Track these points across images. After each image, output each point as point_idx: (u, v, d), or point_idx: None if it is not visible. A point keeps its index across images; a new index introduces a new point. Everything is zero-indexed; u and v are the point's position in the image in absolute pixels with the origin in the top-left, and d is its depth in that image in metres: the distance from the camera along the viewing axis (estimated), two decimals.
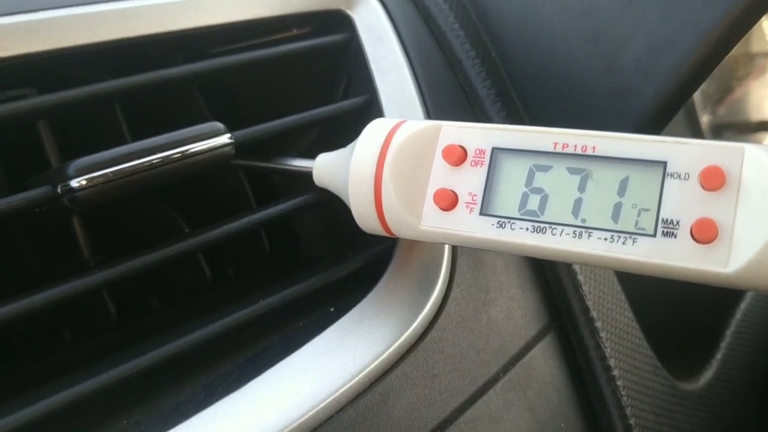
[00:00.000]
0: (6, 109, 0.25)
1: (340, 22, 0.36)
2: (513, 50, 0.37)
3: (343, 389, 0.25)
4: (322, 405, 0.25)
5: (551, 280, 0.33)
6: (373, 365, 0.26)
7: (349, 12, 0.36)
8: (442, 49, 0.37)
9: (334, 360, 0.26)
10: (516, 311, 0.32)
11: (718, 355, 0.45)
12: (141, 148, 0.26)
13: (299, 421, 0.24)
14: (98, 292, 0.29)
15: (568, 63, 0.35)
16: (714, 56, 0.32)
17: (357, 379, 0.26)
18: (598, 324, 0.34)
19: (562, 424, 0.32)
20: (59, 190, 0.24)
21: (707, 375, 0.44)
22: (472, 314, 0.30)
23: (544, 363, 0.33)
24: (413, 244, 0.31)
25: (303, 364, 0.26)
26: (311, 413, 0.24)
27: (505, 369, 0.31)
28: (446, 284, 0.30)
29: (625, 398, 0.33)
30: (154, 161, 0.26)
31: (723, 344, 0.45)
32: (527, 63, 0.36)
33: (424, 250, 0.31)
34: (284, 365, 0.26)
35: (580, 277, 0.33)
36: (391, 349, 0.27)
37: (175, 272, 0.32)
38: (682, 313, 0.45)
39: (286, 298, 0.28)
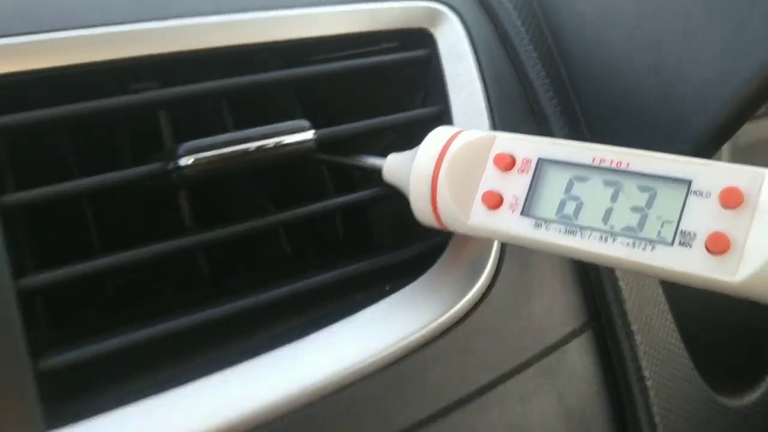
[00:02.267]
0: (135, 99, 0.31)
1: (424, 39, 0.40)
2: (582, 73, 0.40)
3: (386, 352, 0.29)
4: (369, 361, 0.29)
5: (593, 282, 0.36)
6: (416, 335, 0.30)
7: (432, 31, 0.40)
8: (515, 68, 0.40)
9: (382, 327, 0.30)
10: (556, 307, 0.35)
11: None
12: (239, 137, 0.31)
13: (349, 371, 0.29)
14: (194, 253, 0.35)
15: (630, 89, 0.38)
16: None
17: (400, 344, 0.30)
18: (635, 327, 0.36)
19: (588, 414, 0.35)
20: (170, 167, 0.30)
21: (753, 395, 0.45)
22: (513, 305, 0.34)
23: (579, 357, 0.36)
24: (465, 240, 0.34)
25: (357, 326, 0.31)
26: (359, 367, 0.29)
27: (540, 357, 0.34)
28: (491, 276, 0.34)
29: (653, 399, 0.35)
30: (249, 149, 0.31)
31: None
32: (594, 86, 0.40)
33: (475, 245, 0.34)
34: (341, 325, 0.31)
35: (621, 283, 0.36)
36: (433, 324, 0.31)
37: (260, 246, 0.37)
38: (732, 330, 0.46)
39: (348, 273, 0.32)
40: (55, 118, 0.29)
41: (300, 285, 0.31)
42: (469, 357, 0.32)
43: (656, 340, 0.38)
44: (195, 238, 0.30)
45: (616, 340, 0.36)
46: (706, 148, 0.36)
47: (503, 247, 0.35)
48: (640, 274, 0.38)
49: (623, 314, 0.36)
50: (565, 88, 0.40)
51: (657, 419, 0.35)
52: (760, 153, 0.70)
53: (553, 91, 0.39)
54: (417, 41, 0.40)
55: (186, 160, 0.29)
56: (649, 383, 0.37)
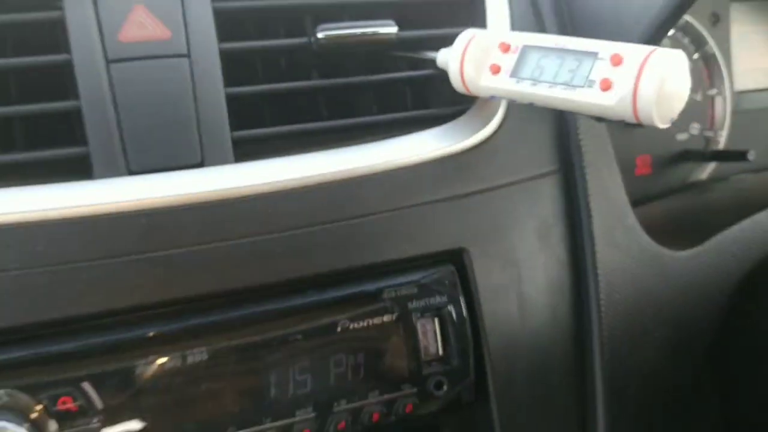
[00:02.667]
0: None
1: None
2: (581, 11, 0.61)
3: (434, 154, 0.52)
4: (423, 156, 0.52)
5: (564, 137, 0.57)
6: (454, 147, 0.53)
7: None
8: (534, 5, 0.61)
9: (433, 141, 0.53)
10: (537, 152, 0.56)
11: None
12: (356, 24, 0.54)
13: (415, 159, 0.51)
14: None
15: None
16: None
17: (443, 151, 0.52)
18: (589, 177, 0.57)
19: (550, 221, 0.55)
20: (312, 39, 0.54)
21: (698, 248, 0.63)
22: (511, 143, 0.55)
23: (550, 189, 0.57)
24: (483, 102, 0.56)
25: (415, 139, 0.53)
26: (417, 158, 0.52)
27: (526, 180, 0.55)
28: (499, 123, 0.55)
29: (597, 238, 0.55)
30: (366, 32, 0.54)
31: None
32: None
33: (489, 106, 0.56)
34: (408, 137, 0.53)
35: (583, 138, 0.57)
36: (468, 141, 0.53)
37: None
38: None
39: (408, 116, 0.55)
40: None
41: (370, 119, 0.54)
42: (485, 166, 0.54)
43: (606, 195, 0.57)
44: (317, 83, 0.54)
45: (574, 184, 0.57)
46: (653, 37, 0.55)
47: (507, 109, 0.56)
48: (597, 132, 0.58)
49: (582, 165, 0.57)
50: (563, 9, 0.60)
51: (598, 256, 0.55)
52: (761, 119, 0.86)
53: (553, 12, 0.60)
54: None
55: (321, 34, 0.53)
56: (594, 222, 0.56)
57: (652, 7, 0.55)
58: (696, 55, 0.85)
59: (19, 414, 0.41)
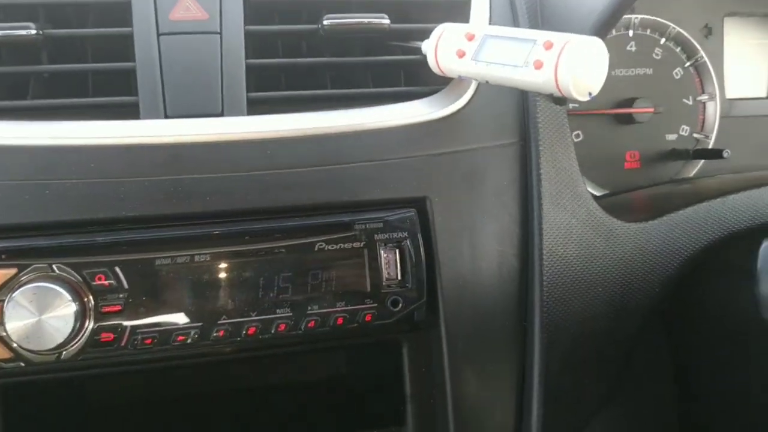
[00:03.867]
0: None
1: None
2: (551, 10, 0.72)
3: (414, 120, 0.64)
4: (408, 121, 0.64)
5: (524, 113, 0.68)
6: (434, 115, 0.65)
7: None
8: (512, 4, 0.73)
9: (415, 110, 0.65)
10: (502, 124, 0.68)
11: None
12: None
13: (398, 123, 0.64)
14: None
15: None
16: None
17: (423, 118, 0.65)
18: (542, 149, 0.68)
19: (504, 183, 0.67)
20: (318, 26, 0.67)
21: (650, 222, 0.72)
22: (480, 115, 0.67)
23: (508, 158, 0.68)
24: (457, 82, 0.69)
25: (401, 107, 0.66)
26: (401, 122, 0.64)
27: (491, 147, 0.67)
28: (469, 98, 0.67)
29: (545, 207, 0.66)
30: (373, 22, 0.67)
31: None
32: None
33: (461, 85, 0.68)
34: (387, 107, 0.66)
35: (539, 116, 0.68)
36: (444, 111, 0.65)
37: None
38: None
39: (390, 92, 0.68)
40: None
41: (362, 91, 0.67)
42: (452, 133, 0.66)
43: (557, 165, 0.68)
44: (321, 60, 0.67)
45: (530, 154, 0.68)
46: (599, 30, 0.66)
47: (476, 89, 0.68)
48: (555, 114, 0.69)
49: (536, 139, 0.68)
50: (536, 14, 0.72)
51: (544, 214, 0.66)
52: (749, 125, 0.94)
53: (528, 15, 0.72)
54: None
55: (327, 22, 0.67)
56: (543, 185, 0.67)
57: (598, 7, 0.66)
58: (687, 63, 0.94)
59: (65, 284, 0.56)
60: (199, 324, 0.59)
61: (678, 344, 0.83)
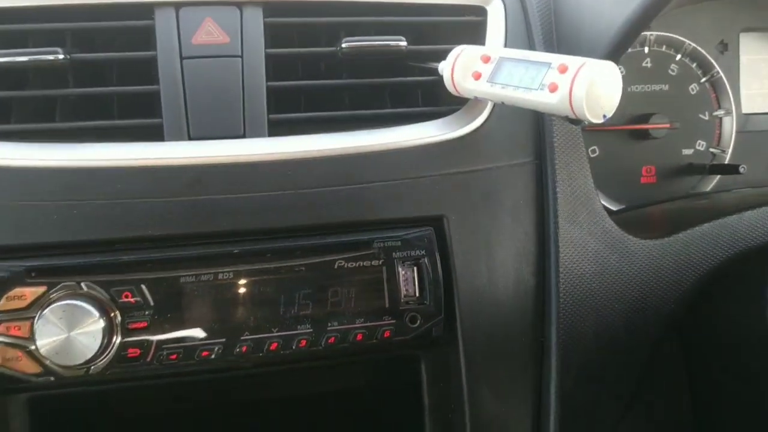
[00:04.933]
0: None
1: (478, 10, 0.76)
2: (562, 27, 0.73)
3: (435, 139, 0.66)
4: (431, 141, 0.66)
5: (540, 133, 0.70)
6: (453, 134, 0.66)
7: (486, 6, 0.75)
8: (527, 27, 0.74)
9: (432, 130, 0.67)
10: (517, 143, 0.69)
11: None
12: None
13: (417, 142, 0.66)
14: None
15: (577, 27, 0.71)
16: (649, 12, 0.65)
17: (442, 137, 0.66)
18: (558, 167, 0.69)
19: (521, 202, 0.68)
20: (337, 48, 0.69)
21: (665, 239, 0.73)
22: (496, 134, 0.68)
23: (523, 177, 0.69)
24: (474, 103, 0.70)
25: (417, 128, 0.67)
26: (420, 142, 0.66)
27: (506, 166, 0.68)
28: (485, 119, 0.68)
29: (561, 222, 0.67)
30: (389, 45, 0.69)
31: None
32: (565, 29, 0.73)
33: (479, 105, 0.70)
34: (404, 128, 0.68)
35: (556, 138, 0.69)
36: (460, 132, 0.67)
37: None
38: None
39: (412, 112, 0.69)
40: None
41: (380, 112, 0.69)
42: (468, 153, 0.67)
43: (573, 183, 0.69)
44: (340, 81, 0.69)
45: (545, 173, 0.69)
46: (612, 53, 0.67)
47: (492, 110, 0.70)
48: (570, 133, 0.70)
49: (552, 158, 0.69)
50: (552, 35, 0.73)
51: (560, 231, 0.67)
52: (766, 139, 0.95)
53: (543, 38, 0.73)
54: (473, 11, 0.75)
55: (345, 44, 0.69)
56: (559, 203, 0.68)
57: (611, 31, 0.67)
58: (703, 79, 0.95)
59: (93, 301, 0.58)
60: (223, 340, 0.60)
61: (693, 357, 0.84)
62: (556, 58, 0.60)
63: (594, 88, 0.57)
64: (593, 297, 0.70)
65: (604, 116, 0.59)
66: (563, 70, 0.59)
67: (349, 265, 0.63)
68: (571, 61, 0.59)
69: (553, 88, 0.59)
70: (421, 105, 0.73)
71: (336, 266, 0.63)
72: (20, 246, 0.60)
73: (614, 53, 0.67)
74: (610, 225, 0.71)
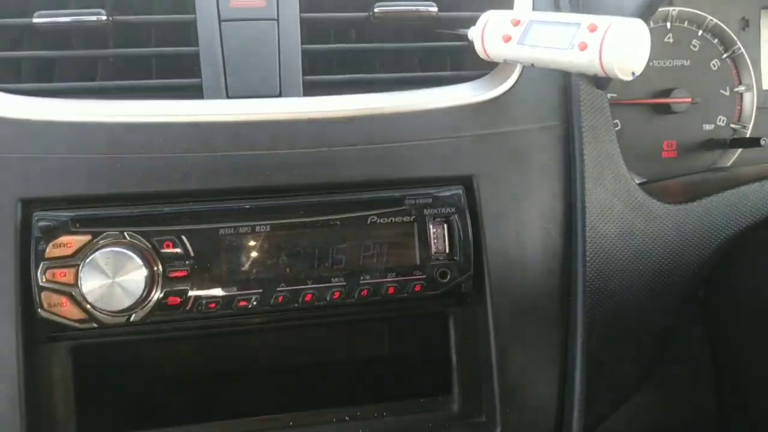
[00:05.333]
0: None
1: None
2: None
3: (466, 101, 0.68)
4: (462, 103, 0.68)
5: (567, 95, 0.71)
6: (486, 95, 0.68)
7: None
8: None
9: (456, 93, 0.69)
10: (545, 106, 0.71)
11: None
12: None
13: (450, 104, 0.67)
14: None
15: None
16: None
17: (475, 99, 0.68)
18: (584, 129, 0.70)
19: (546, 160, 0.69)
20: (369, 13, 0.71)
21: (689, 204, 0.74)
22: (525, 96, 0.70)
23: (551, 139, 0.71)
24: (504, 66, 0.72)
25: (453, 89, 0.69)
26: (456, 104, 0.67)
27: (533, 129, 0.70)
28: (515, 80, 0.70)
29: (588, 185, 0.69)
30: (419, 9, 0.71)
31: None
32: None
33: (507, 70, 0.71)
34: (435, 90, 0.69)
35: (582, 101, 0.70)
36: (492, 92, 0.69)
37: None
38: None
39: (441, 76, 0.71)
40: None
41: (411, 75, 0.70)
42: (498, 115, 0.69)
43: (599, 147, 0.71)
44: (371, 45, 0.71)
45: (573, 137, 0.71)
46: (643, 12, 0.69)
47: (521, 74, 0.71)
48: (596, 98, 0.72)
49: (579, 122, 0.70)
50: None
51: (587, 192, 0.68)
52: None
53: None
54: None
55: (377, 9, 0.70)
56: (586, 165, 0.70)
57: None
58: (724, 55, 0.96)
59: (136, 250, 0.60)
60: (260, 290, 0.62)
61: (715, 324, 0.85)
62: (586, 18, 0.62)
63: (623, 45, 0.59)
64: (618, 257, 0.71)
65: (633, 74, 0.61)
66: (593, 29, 0.61)
67: (382, 220, 0.65)
68: (601, 20, 0.61)
69: (583, 47, 0.61)
70: (450, 70, 0.75)
71: (369, 222, 0.65)
72: (66, 197, 0.62)
73: (644, 12, 0.68)
74: (634, 188, 0.72)
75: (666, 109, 0.94)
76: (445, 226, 0.66)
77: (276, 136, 0.64)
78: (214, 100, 0.65)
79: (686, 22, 0.94)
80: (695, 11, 0.94)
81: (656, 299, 0.75)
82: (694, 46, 0.95)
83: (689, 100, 0.93)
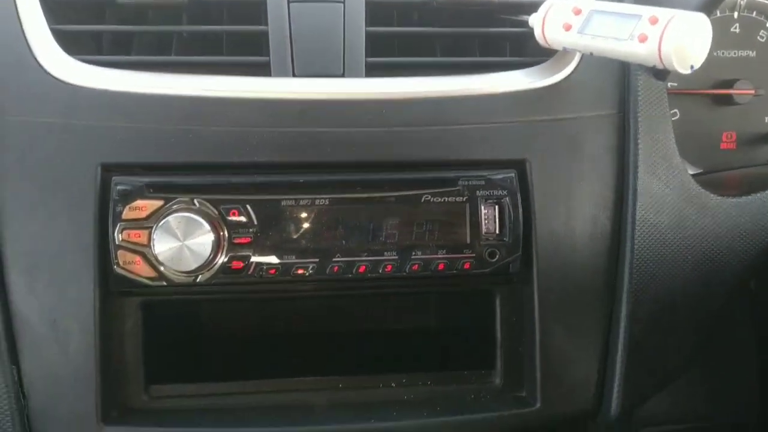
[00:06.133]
0: None
1: None
2: None
3: (528, 86, 0.70)
4: (520, 89, 0.70)
5: (625, 82, 0.72)
6: (546, 81, 0.70)
7: None
8: None
9: (526, 78, 0.71)
10: (602, 94, 0.72)
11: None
12: None
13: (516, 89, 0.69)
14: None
15: None
16: None
17: (536, 85, 0.70)
18: (641, 119, 0.71)
19: (603, 152, 0.71)
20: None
21: (743, 197, 0.74)
22: (583, 84, 0.71)
23: (606, 127, 0.72)
24: (562, 54, 0.73)
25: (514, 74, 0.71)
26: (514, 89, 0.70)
27: (590, 117, 0.71)
28: (574, 68, 0.71)
29: (641, 172, 0.70)
30: None
31: None
32: None
33: (566, 57, 0.73)
34: (494, 75, 0.71)
35: (640, 91, 0.71)
36: (551, 79, 0.70)
37: None
38: None
39: (501, 61, 0.73)
40: None
41: (471, 60, 0.72)
42: (554, 102, 0.70)
43: (654, 137, 0.72)
44: (433, 29, 0.73)
45: (629, 126, 0.72)
46: (706, 6, 0.69)
47: (579, 62, 0.72)
48: (654, 88, 0.72)
49: (636, 111, 0.71)
50: None
51: (639, 181, 0.69)
52: None
53: None
54: None
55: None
56: (640, 155, 0.71)
57: None
58: None
59: (205, 215, 0.64)
60: (316, 260, 0.66)
61: (764, 317, 0.85)
62: (647, 10, 0.63)
63: (683, 38, 0.60)
64: (668, 248, 0.72)
65: (692, 67, 0.62)
66: (654, 21, 0.62)
67: (435, 199, 0.68)
68: (662, 12, 0.61)
69: (643, 39, 0.62)
70: (509, 56, 0.76)
71: (423, 200, 0.67)
72: (142, 164, 0.66)
73: (707, 6, 0.69)
74: (688, 180, 0.73)
75: (727, 100, 0.93)
76: (497, 207, 0.69)
77: (338, 115, 0.68)
78: (282, 78, 0.68)
79: (754, 12, 0.93)
80: (764, 1, 0.92)
81: (704, 290, 0.75)
82: (762, 37, 0.94)
83: (752, 92, 0.92)
